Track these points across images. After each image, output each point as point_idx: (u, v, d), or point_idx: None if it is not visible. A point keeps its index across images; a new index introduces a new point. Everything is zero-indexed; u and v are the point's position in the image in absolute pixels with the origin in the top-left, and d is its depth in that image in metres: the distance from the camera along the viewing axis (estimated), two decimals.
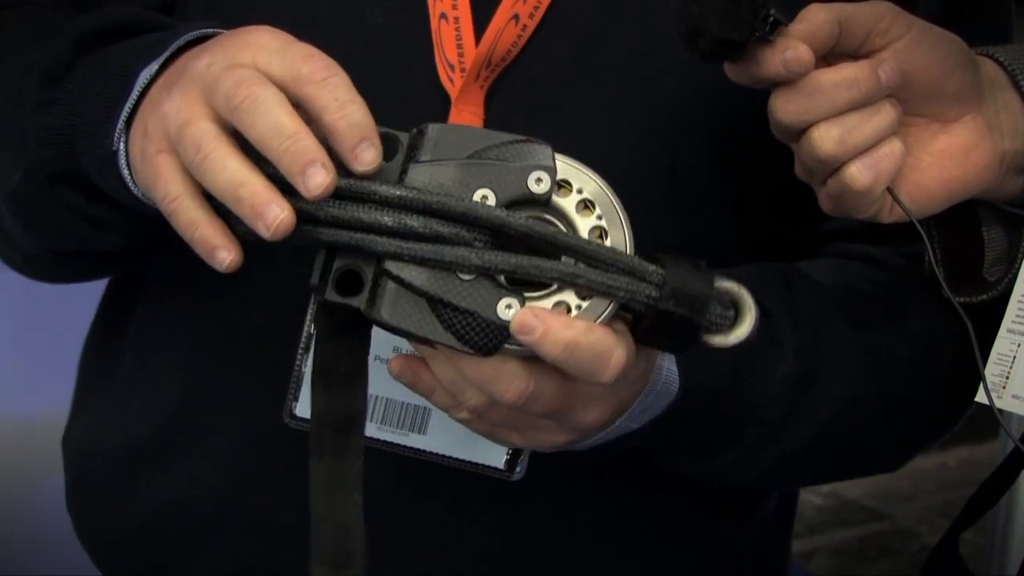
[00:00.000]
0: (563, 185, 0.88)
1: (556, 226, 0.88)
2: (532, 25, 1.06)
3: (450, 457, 1.05)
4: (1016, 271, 1.03)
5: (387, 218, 0.84)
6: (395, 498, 1.08)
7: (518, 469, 1.05)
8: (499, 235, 0.85)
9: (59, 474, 1.25)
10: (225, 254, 0.84)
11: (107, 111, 0.97)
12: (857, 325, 1.11)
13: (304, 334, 1.04)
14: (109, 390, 1.22)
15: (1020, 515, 2.10)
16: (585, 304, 0.86)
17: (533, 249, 0.85)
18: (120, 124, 0.96)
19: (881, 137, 0.98)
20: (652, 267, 0.86)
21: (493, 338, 0.85)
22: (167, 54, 0.95)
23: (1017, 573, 1.23)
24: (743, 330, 0.88)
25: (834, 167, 0.98)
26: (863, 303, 1.13)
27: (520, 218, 0.85)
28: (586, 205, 0.88)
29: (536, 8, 1.05)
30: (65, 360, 1.28)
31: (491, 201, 0.86)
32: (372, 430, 1.03)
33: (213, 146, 0.84)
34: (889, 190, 0.99)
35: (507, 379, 0.87)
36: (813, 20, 0.96)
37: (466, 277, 0.85)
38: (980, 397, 1.01)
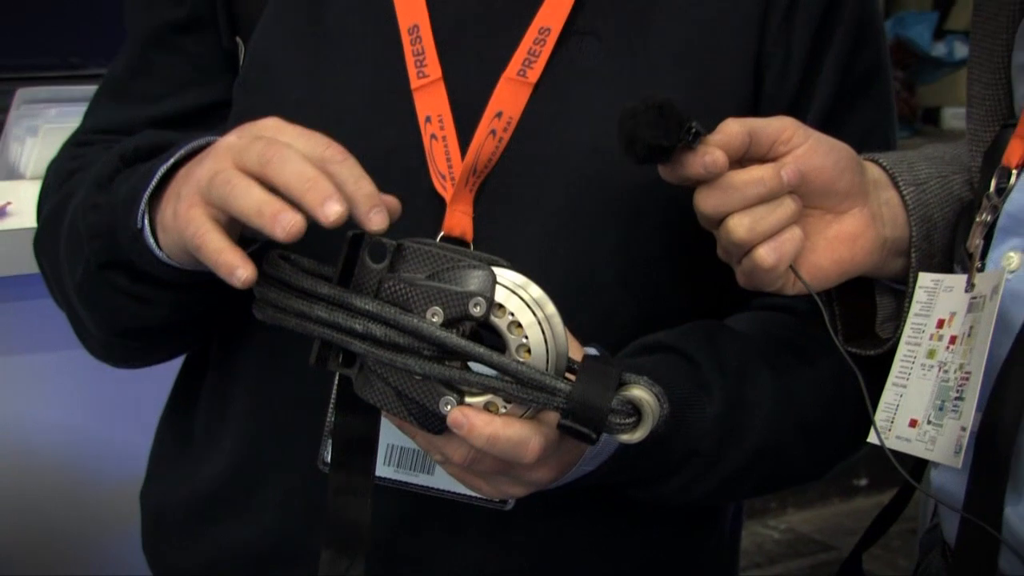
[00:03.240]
0: (501, 307, 0.92)
1: (504, 343, 0.92)
2: (507, 137, 1.09)
3: (452, 492, 1.08)
4: (899, 334, 1.06)
5: (358, 326, 0.90)
6: (406, 525, 1.12)
7: (509, 501, 1.08)
8: (442, 349, 0.91)
9: (135, 523, 1.28)
10: (243, 271, 0.90)
11: (134, 199, 1.03)
12: (775, 367, 1.12)
13: (332, 398, 1.09)
14: (182, 455, 1.24)
15: None
16: (510, 405, 0.92)
17: (471, 360, 0.91)
18: (143, 205, 1.02)
19: (784, 225, 1.01)
20: (560, 385, 0.89)
21: (438, 424, 0.92)
22: (181, 153, 1.03)
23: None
24: (641, 432, 0.91)
25: (746, 250, 1.01)
26: (780, 347, 1.13)
27: (457, 339, 0.90)
28: (517, 325, 0.92)
29: (509, 123, 1.09)
30: (137, 432, 1.32)
31: (439, 319, 0.91)
32: (389, 472, 1.09)
33: (239, 179, 0.92)
34: (791, 268, 1.02)
35: (453, 447, 0.94)
36: (728, 131, 1.01)
37: (418, 377, 0.91)
38: (872, 438, 1.03)
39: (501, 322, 0.92)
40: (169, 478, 1.24)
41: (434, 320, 0.91)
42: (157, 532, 1.25)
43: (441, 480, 1.08)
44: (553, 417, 0.91)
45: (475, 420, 0.90)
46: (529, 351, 0.92)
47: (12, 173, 1.80)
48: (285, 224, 0.89)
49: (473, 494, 1.05)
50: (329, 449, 1.09)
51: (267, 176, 0.92)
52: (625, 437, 0.91)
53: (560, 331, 0.93)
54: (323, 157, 0.93)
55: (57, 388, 1.59)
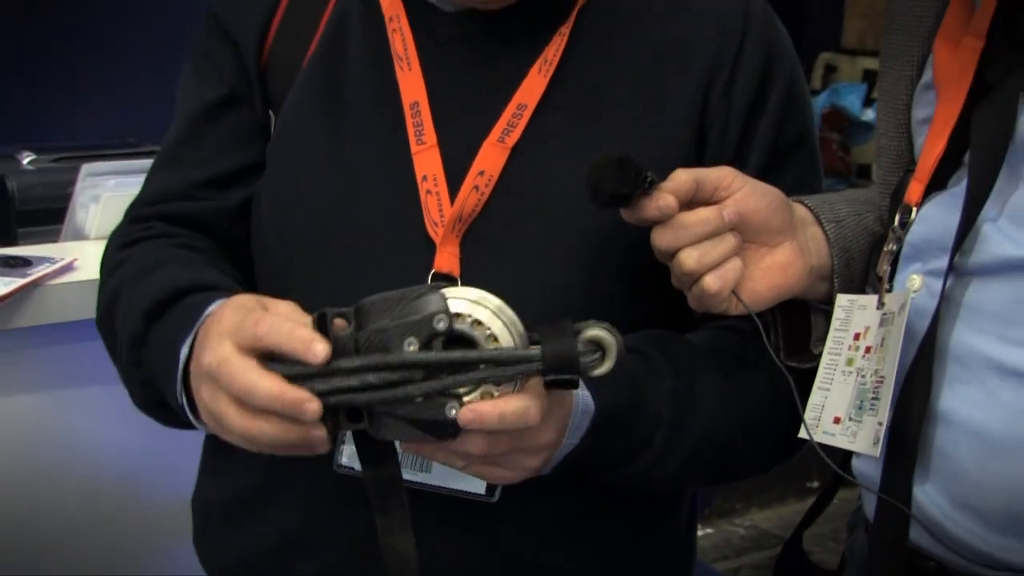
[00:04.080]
0: (459, 315, 0.91)
1: (475, 341, 0.91)
2: (488, 192, 1.10)
3: (447, 488, 1.08)
4: (823, 349, 1.08)
5: (354, 382, 0.90)
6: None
7: (496, 494, 1.08)
8: (431, 368, 0.90)
9: (185, 530, 1.28)
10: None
11: (168, 379, 1.04)
12: (720, 370, 1.12)
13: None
14: (221, 464, 1.23)
15: None
16: (501, 387, 0.91)
17: (454, 366, 0.90)
18: (178, 387, 1.02)
19: (726, 257, 1.02)
20: (533, 351, 0.90)
21: (450, 429, 0.91)
22: (192, 337, 1.01)
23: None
24: (610, 362, 0.91)
25: (695, 278, 1.02)
26: (725, 356, 1.13)
27: (436, 354, 0.90)
28: (478, 323, 0.91)
29: (489, 180, 1.10)
30: (182, 456, 1.31)
31: (415, 346, 0.90)
32: (405, 472, 1.06)
33: (245, 376, 0.90)
34: (734, 293, 1.03)
35: (471, 443, 0.93)
36: (678, 179, 1.02)
37: (419, 399, 0.90)
38: (803, 433, 1.03)
39: (465, 326, 0.92)
40: (212, 484, 1.25)
41: (412, 348, 0.90)
42: (204, 530, 1.25)
43: (434, 477, 1.08)
44: (537, 382, 0.92)
45: (481, 408, 0.90)
46: (496, 339, 0.92)
47: (79, 235, 1.80)
48: (308, 413, 0.89)
49: (464, 488, 1.06)
50: (343, 454, 1.09)
51: (264, 344, 0.91)
52: (599, 371, 0.92)
53: (512, 315, 0.93)
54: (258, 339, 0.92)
55: (117, 416, 1.54)
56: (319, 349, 0.88)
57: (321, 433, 0.91)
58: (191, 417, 1.04)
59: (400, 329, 0.91)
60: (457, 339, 0.92)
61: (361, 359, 0.90)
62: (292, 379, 0.90)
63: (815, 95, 3.45)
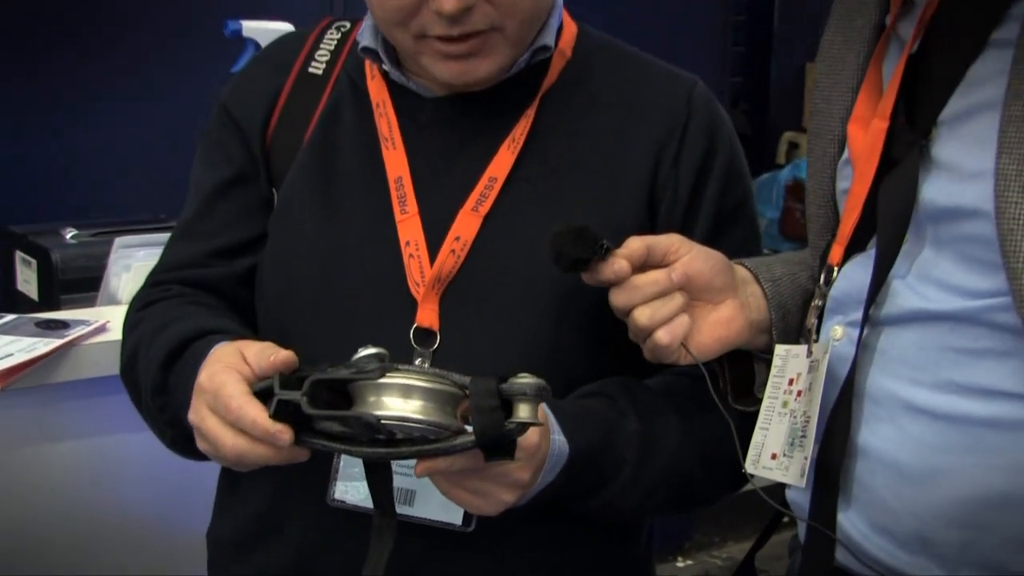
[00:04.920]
0: (390, 434, 0.94)
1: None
2: (463, 255, 1.12)
3: (428, 519, 1.09)
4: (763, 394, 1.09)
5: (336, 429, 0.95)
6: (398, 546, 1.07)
7: (472, 524, 1.10)
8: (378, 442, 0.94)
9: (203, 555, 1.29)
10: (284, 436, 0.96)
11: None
12: (677, 411, 1.13)
13: (334, 457, 1.11)
14: (231, 500, 1.24)
15: None
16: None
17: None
18: None
19: (676, 314, 1.04)
20: (466, 439, 0.92)
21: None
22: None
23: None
24: (535, 421, 0.93)
25: (648, 333, 1.04)
26: (681, 398, 1.14)
27: (382, 450, 0.93)
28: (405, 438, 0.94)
29: (465, 245, 1.12)
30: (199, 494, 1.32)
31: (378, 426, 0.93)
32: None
33: (238, 404, 0.96)
34: (683, 345, 1.05)
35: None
36: (631, 246, 1.04)
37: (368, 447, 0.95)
38: (747, 467, 1.05)
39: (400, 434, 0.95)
40: (224, 518, 1.26)
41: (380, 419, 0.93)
42: (216, 562, 1.26)
43: (416, 509, 1.10)
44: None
45: (433, 463, 0.96)
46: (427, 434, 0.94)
47: (112, 300, 1.82)
48: (281, 442, 0.96)
49: (445, 519, 1.08)
50: (336, 489, 1.11)
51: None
52: (524, 436, 0.95)
53: (437, 391, 0.94)
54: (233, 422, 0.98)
55: (143, 459, 1.59)
56: (284, 438, 0.95)
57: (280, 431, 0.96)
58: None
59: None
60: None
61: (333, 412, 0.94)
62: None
63: (779, 169, 3.47)
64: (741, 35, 3.91)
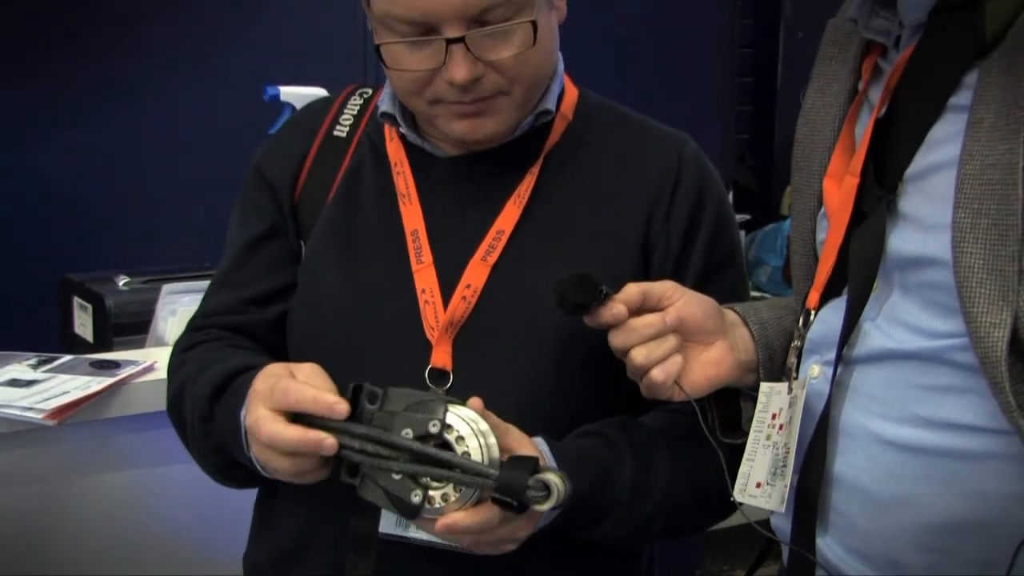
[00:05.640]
0: (449, 426, 0.98)
1: (452, 444, 0.97)
2: (474, 301, 1.14)
3: (435, 542, 1.08)
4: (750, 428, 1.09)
5: (357, 444, 0.99)
6: (407, 568, 1.12)
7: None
8: (413, 454, 0.97)
9: None
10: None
11: (235, 440, 1.10)
12: (670, 446, 1.14)
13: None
14: (265, 525, 1.24)
15: None
16: (461, 492, 0.98)
17: (426, 458, 0.97)
18: (244, 443, 1.08)
19: (670, 354, 1.05)
20: (491, 471, 0.96)
21: (413, 511, 0.99)
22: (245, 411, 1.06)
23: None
24: (552, 502, 0.96)
25: (644, 371, 1.05)
26: (674, 433, 1.15)
27: (421, 446, 0.96)
28: (460, 438, 0.98)
29: (475, 292, 1.14)
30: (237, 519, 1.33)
31: (410, 435, 0.97)
32: (390, 527, 1.10)
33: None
34: (676, 383, 1.05)
35: (461, 539, 1.01)
36: (628, 291, 1.06)
37: (397, 477, 0.97)
38: (735, 495, 1.05)
39: (451, 436, 0.98)
40: (258, 542, 1.26)
41: (407, 436, 0.97)
42: None
43: (415, 531, 1.09)
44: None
45: (453, 519, 0.98)
46: (469, 455, 0.98)
47: (160, 342, 1.86)
48: (327, 448, 1.00)
49: (440, 540, 1.06)
50: (383, 521, 1.10)
51: (294, 407, 1.02)
52: (539, 507, 0.96)
53: (493, 441, 0.98)
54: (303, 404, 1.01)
55: (188, 488, 1.59)
56: (341, 408, 1.00)
57: (324, 469, 1.01)
58: (258, 466, 1.08)
59: (403, 419, 0.98)
60: (443, 445, 0.98)
61: (367, 429, 0.99)
62: (315, 427, 1.00)
63: (783, 220, 3.48)
64: (747, 95, 3.92)
